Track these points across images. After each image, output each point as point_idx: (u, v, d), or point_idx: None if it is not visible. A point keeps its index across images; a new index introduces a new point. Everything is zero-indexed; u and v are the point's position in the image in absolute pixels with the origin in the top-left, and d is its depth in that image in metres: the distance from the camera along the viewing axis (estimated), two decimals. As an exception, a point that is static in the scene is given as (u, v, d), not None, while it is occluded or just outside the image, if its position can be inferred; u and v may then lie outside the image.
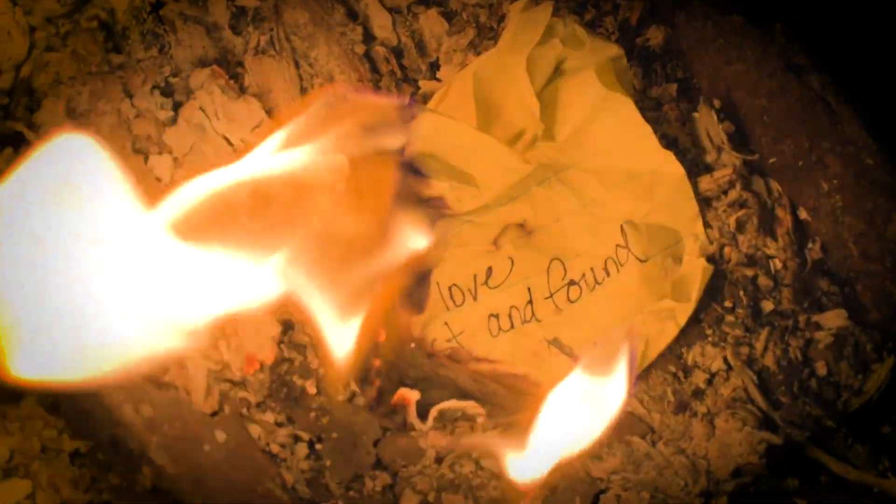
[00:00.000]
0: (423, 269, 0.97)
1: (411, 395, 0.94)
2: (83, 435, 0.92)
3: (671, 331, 0.99)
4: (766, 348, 1.01)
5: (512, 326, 0.99)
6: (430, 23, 1.04)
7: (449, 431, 0.94)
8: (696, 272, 0.98)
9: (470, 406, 0.95)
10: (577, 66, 1.00)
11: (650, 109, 1.05)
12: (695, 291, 0.98)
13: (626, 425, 1.00)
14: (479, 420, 0.94)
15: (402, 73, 1.04)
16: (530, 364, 0.99)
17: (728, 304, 1.02)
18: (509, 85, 0.98)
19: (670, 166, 1.00)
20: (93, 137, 0.64)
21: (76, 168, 0.64)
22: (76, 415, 0.92)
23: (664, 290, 1.00)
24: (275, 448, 0.95)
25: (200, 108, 0.99)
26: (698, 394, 1.01)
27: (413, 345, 0.96)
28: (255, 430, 0.95)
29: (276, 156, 0.73)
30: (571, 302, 1.00)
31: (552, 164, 1.00)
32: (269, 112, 1.00)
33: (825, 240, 1.03)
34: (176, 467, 0.92)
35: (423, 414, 0.95)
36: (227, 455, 0.93)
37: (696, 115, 1.06)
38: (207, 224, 0.69)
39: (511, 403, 0.96)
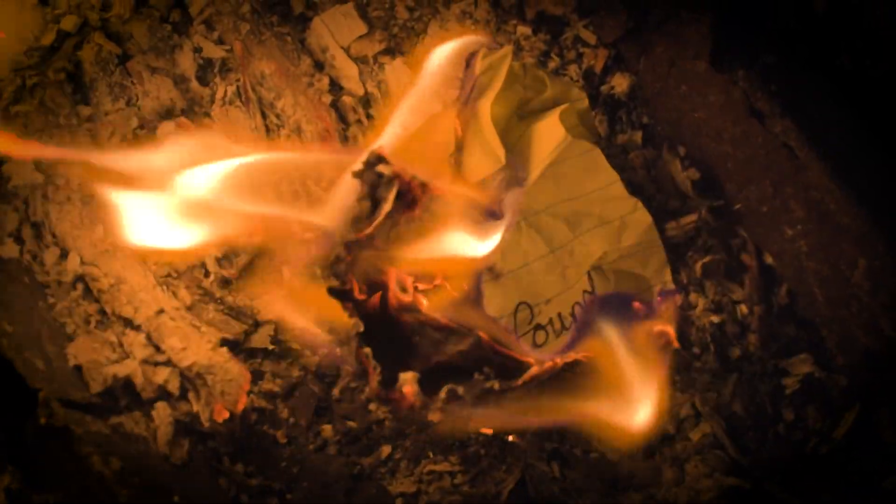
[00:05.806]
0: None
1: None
2: (53, 487, 0.91)
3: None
4: (734, 394, 1.01)
5: (479, 371, 0.99)
6: (397, 72, 1.05)
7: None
8: None
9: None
10: (541, 110, 1.00)
11: (616, 156, 1.05)
12: None
13: (596, 471, 1.00)
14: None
15: (370, 123, 1.04)
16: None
17: (696, 350, 1.02)
18: (474, 132, 0.98)
19: (638, 213, 1.00)
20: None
21: None
22: (46, 466, 0.92)
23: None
24: (244, 498, 0.95)
25: (168, 160, 0.99)
26: (667, 440, 1.01)
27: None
28: (224, 481, 0.95)
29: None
30: (538, 346, 0.99)
31: (520, 208, 1.00)
32: (236, 163, 1.01)
33: (791, 285, 1.03)
34: (146, 519, 0.92)
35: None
36: (197, 506, 0.93)
37: (661, 161, 1.06)
38: None
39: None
